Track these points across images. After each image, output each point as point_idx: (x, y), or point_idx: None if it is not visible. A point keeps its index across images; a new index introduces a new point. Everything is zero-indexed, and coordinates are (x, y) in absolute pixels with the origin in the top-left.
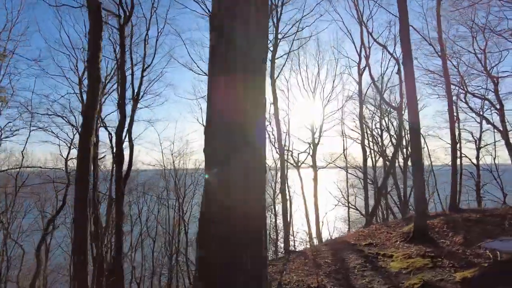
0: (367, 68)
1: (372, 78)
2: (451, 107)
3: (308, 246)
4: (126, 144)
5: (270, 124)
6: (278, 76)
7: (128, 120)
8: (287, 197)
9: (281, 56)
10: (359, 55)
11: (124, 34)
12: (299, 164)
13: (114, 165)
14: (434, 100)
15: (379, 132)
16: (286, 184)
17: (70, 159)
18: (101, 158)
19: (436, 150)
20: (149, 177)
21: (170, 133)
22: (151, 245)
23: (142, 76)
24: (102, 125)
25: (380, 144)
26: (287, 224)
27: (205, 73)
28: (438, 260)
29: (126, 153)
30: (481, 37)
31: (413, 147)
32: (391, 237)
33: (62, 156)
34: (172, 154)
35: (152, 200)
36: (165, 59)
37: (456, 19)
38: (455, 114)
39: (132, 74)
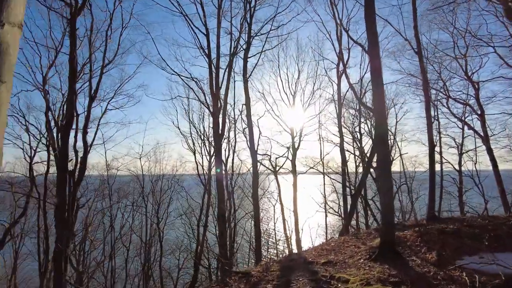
0: (346, 68)
1: (347, 78)
2: (428, 106)
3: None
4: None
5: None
6: (250, 75)
7: (81, 120)
8: (271, 203)
9: (253, 56)
10: (338, 58)
11: (74, 25)
12: (277, 169)
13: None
14: (416, 105)
15: (359, 137)
16: (259, 190)
17: (35, 163)
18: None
19: (419, 156)
20: (125, 183)
21: (148, 136)
22: (125, 254)
23: (102, 73)
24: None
25: (360, 148)
26: (259, 235)
27: (177, 73)
28: None
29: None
30: (462, 43)
31: (378, 148)
32: (357, 252)
33: (26, 160)
34: (140, 158)
35: (127, 207)
36: (136, 58)
37: (437, 24)
38: (434, 116)
39: (91, 70)
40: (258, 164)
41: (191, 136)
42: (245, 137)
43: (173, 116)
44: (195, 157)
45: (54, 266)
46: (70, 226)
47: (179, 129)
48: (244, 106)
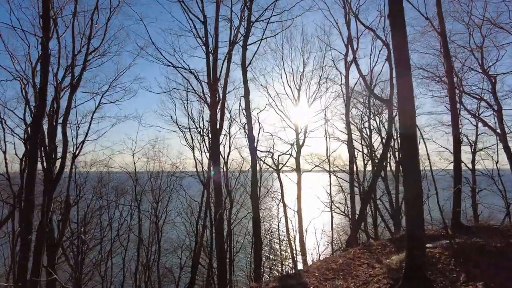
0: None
1: (358, 67)
2: (452, 94)
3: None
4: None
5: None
6: (250, 63)
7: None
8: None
9: (253, 43)
10: (346, 47)
11: (48, 4)
12: (280, 167)
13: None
14: (427, 100)
15: (368, 133)
16: (262, 189)
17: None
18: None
19: (431, 154)
20: (124, 180)
21: (145, 132)
22: (122, 254)
23: (86, 60)
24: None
25: (369, 145)
26: (259, 240)
27: (172, 64)
28: None
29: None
30: (478, 35)
31: (405, 149)
32: (372, 276)
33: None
34: (133, 155)
35: (126, 205)
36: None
37: (452, 15)
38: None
39: (73, 57)
40: (260, 161)
41: (189, 132)
42: (245, 132)
43: (171, 110)
44: (193, 154)
45: (16, 279)
46: (46, 229)
47: (177, 124)
48: (242, 98)
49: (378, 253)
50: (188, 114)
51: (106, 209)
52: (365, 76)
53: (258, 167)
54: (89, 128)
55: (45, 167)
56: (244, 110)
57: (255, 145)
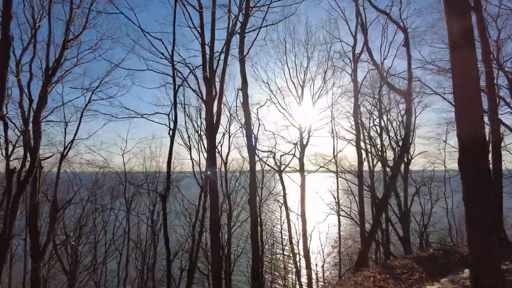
0: (364, 51)
1: (369, 52)
2: (489, 79)
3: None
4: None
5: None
6: (247, 52)
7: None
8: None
9: (252, 30)
10: (355, 38)
11: None
12: (283, 168)
13: None
14: (438, 97)
15: (378, 130)
16: (263, 191)
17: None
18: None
19: (439, 154)
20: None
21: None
22: (117, 258)
23: (64, 48)
24: None
25: (380, 145)
26: (256, 246)
27: (165, 57)
28: None
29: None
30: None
31: (468, 153)
32: None
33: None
34: (123, 155)
35: (122, 209)
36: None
37: None
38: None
39: (48, 45)
40: (261, 162)
41: (186, 131)
42: (243, 129)
43: (168, 108)
44: (190, 154)
45: None
46: (7, 236)
47: (174, 122)
48: (239, 92)
49: (405, 280)
50: (185, 111)
51: (100, 212)
52: (372, 71)
53: (259, 168)
54: (78, 126)
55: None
56: (242, 105)
57: (254, 143)
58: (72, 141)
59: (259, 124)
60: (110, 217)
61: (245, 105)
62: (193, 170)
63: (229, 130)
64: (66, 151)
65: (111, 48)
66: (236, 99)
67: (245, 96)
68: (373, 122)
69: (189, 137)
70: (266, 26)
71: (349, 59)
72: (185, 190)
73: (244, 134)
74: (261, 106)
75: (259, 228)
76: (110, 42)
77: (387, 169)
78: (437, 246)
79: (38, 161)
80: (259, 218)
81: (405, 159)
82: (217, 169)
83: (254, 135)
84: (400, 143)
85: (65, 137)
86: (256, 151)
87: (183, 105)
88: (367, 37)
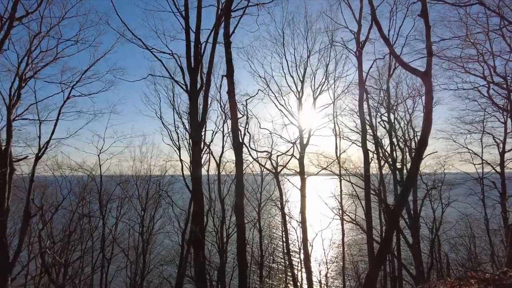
0: (369, 39)
1: (378, 26)
2: None
3: None
4: None
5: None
6: (233, 32)
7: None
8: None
9: (240, 8)
10: (358, 23)
11: None
12: (280, 169)
13: None
14: (447, 94)
15: (387, 127)
16: (263, 195)
17: None
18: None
19: (450, 156)
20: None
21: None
22: (105, 268)
23: (11, 27)
24: None
25: (386, 146)
26: (243, 263)
27: (146, 46)
28: None
29: None
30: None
31: None
32: None
33: None
34: (99, 155)
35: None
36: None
37: None
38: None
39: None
40: (257, 163)
41: (175, 130)
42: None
43: (156, 105)
44: (179, 155)
45: None
46: None
47: (162, 120)
48: (224, 78)
49: None
50: (174, 108)
51: (87, 218)
52: (379, 60)
53: (256, 170)
54: (55, 125)
55: None
56: (227, 94)
57: (242, 138)
58: (48, 141)
59: (247, 117)
60: (99, 223)
61: (231, 93)
62: (182, 172)
63: (223, 129)
64: (41, 152)
65: (95, 43)
66: (221, 87)
67: (231, 84)
68: (381, 118)
69: (178, 136)
70: (257, 4)
71: (351, 51)
72: (179, 194)
73: (229, 129)
74: (250, 97)
75: (258, 235)
76: (95, 34)
77: (397, 173)
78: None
79: (10, 163)
80: (258, 224)
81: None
82: (211, 172)
83: (242, 129)
84: (409, 144)
85: (39, 138)
86: (250, 151)
87: (172, 102)
88: (374, 10)
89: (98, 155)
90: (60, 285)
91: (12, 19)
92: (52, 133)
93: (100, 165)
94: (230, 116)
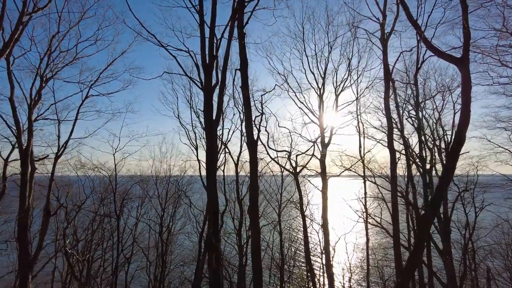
0: (394, 30)
1: (406, 9)
2: None
3: None
4: None
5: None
6: (247, 22)
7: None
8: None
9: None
10: (383, 13)
11: None
12: (299, 170)
13: None
14: (480, 89)
15: (416, 124)
16: (283, 196)
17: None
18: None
19: (484, 156)
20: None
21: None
22: (125, 268)
23: (21, 22)
24: None
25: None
26: (258, 268)
27: (161, 43)
28: None
29: None
30: None
31: None
32: None
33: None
34: (114, 154)
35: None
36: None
37: None
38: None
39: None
40: (275, 162)
41: (193, 129)
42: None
43: (174, 105)
44: (197, 154)
45: None
46: None
47: (179, 119)
48: (237, 72)
49: None
50: (191, 107)
51: (108, 218)
52: (406, 52)
53: (276, 170)
54: (74, 125)
55: None
56: (240, 88)
57: (257, 135)
58: (67, 140)
59: (263, 113)
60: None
61: (245, 88)
62: (200, 172)
63: (241, 128)
64: (60, 151)
65: (114, 42)
66: (233, 83)
67: (245, 78)
68: (409, 114)
69: (195, 135)
70: None
71: (374, 44)
72: (199, 194)
73: (243, 124)
74: (266, 93)
75: (279, 237)
76: (113, 33)
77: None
78: None
79: (31, 162)
80: (278, 226)
81: (441, 161)
82: (230, 172)
83: (259, 126)
84: (438, 143)
85: (59, 136)
86: (268, 150)
87: (189, 101)
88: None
89: (114, 154)
90: (83, 283)
91: (21, 18)
92: (71, 133)
93: (115, 164)
94: (244, 109)
